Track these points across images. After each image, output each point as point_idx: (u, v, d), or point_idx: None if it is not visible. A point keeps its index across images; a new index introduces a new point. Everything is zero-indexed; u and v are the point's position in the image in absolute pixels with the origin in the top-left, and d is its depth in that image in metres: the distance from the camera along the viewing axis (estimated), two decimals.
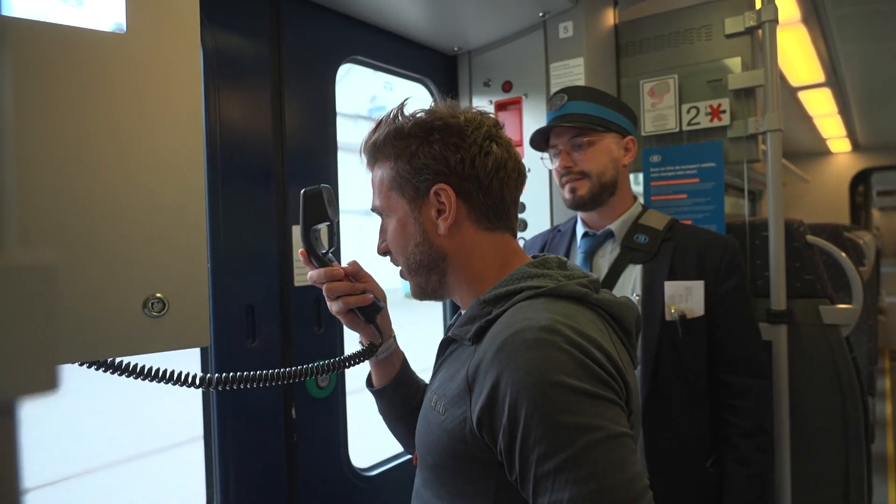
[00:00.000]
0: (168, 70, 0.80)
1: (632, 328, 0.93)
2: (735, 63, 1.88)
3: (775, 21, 1.77)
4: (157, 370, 0.88)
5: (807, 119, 5.53)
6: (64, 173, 0.72)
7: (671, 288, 1.40)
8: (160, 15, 0.79)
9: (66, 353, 0.72)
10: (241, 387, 0.92)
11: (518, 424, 0.72)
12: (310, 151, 1.68)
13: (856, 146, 7.26)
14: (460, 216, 0.90)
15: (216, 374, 0.91)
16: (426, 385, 1.14)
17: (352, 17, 1.84)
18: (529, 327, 0.76)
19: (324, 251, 1.02)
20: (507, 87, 2.12)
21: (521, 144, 2.09)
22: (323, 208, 0.98)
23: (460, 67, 2.26)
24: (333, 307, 1.01)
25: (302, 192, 1.00)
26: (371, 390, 1.14)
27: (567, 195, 1.50)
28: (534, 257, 0.96)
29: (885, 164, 7.42)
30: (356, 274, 1.03)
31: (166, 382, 0.88)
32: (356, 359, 1.04)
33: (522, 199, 2.08)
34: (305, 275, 1.62)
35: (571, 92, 1.51)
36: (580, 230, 1.57)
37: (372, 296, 1.02)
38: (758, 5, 1.82)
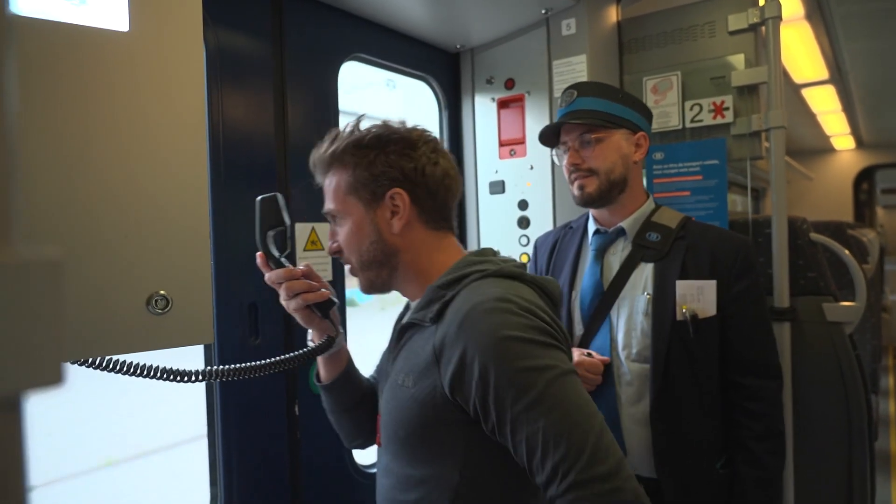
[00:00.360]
0: (171, 68, 0.80)
1: (559, 301, 1.08)
2: (738, 60, 1.88)
3: (779, 18, 1.77)
4: (136, 365, 0.87)
5: (810, 116, 5.52)
6: (67, 171, 0.72)
7: (683, 287, 1.38)
8: (163, 13, 0.80)
9: (70, 351, 0.72)
10: (206, 380, 0.94)
11: (489, 379, 0.86)
12: (312, 149, 1.68)
13: (860, 143, 7.24)
14: (412, 217, 1.03)
15: (172, 368, 0.91)
16: (367, 380, 1.28)
17: (354, 15, 1.84)
18: (485, 299, 0.91)
19: (279, 254, 1.10)
20: (509, 84, 2.12)
21: (523, 142, 2.09)
22: (279, 214, 1.08)
23: (463, 65, 2.26)
24: (291, 305, 1.09)
25: (258, 198, 1.08)
26: (321, 386, 1.22)
27: (575, 192, 1.48)
28: (472, 253, 1.10)
29: (889, 161, 7.40)
30: (309, 275, 1.12)
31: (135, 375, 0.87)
32: (319, 351, 1.11)
33: (526, 196, 2.09)
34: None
35: (581, 87, 1.49)
36: (591, 227, 1.55)
37: (328, 292, 1.11)
38: (761, 2, 1.82)
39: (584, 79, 1.93)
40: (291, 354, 1.05)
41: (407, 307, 1.18)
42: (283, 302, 1.10)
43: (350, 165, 1.02)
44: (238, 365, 0.99)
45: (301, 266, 1.11)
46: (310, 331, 1.17)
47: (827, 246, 1.92)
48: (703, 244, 1.42)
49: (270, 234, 1.08)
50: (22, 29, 0.68)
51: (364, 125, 1.05)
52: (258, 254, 1.09)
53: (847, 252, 1.92)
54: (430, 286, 1.01)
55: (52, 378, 0.19)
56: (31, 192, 0.69)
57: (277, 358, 1.03)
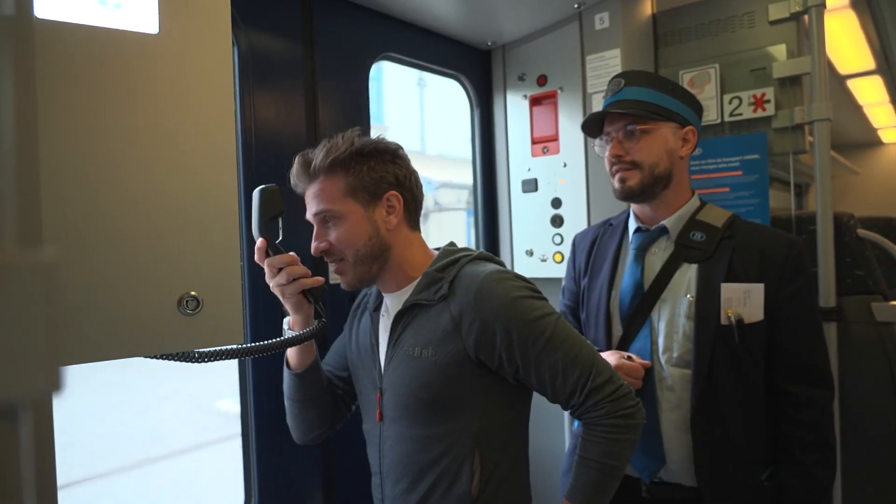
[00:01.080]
0: (200, 70, 0.80)
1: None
2: (780, 51, 1.81)
3: (823, 6, 1.71)
4: None
5: (856, 108, 5.33)
6: (97, 175, 0.72)
7: (728, 290, 1.31)
8: (192, 15, 0.80)
9: (101, 351, 0.73)
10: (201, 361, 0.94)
11: (511, 333, 1.10)
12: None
13: None
14: (401, 217, 1.20)
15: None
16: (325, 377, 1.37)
17: (384, 14, 1.84)
18: (487, 274, 1.14)
19: (278, 240, 1.18)
20: (541, 80, 2.09)
21: (556, 139, 2.06)
22: (279, 203, 1.16)
23: (494, 62, 2.24)
24: (288, 289, 1.18)
25: (259, 188, 1.16)
26: (293, 374, 1.29)
27: (616, 185, 1.42)
28: (435, 249, 1.28)
29: None
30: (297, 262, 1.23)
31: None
32: (315, 333, 1.14)
33: (559, 194, 2.06)
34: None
35: (629, 76, 1.42)
36: (632, 225, 1.49)
37: (322, 278, 1.20)
38: None
39: None
40: (289, 337, 1.06)
41: (377, 297, 1.31)
42: (276, 287, 1.19)
43: (351, 170, 1.16)
44: (230, 347, 0.96)
45: (292, 254, 1.20)
46: (286, 319, 1.25)
47: (876, 242, 1.85)
48: (752, 244, 1.35)
49: (272, 221, 1.17)
50: (51, 33, 0.69)
51: (356, 138, 1.20)
52: (260, 240, 1.17)
53: None
54: (427, 271, 1.19)
55: (48, 385, 0.18)
56: (62, 196, 0.70)
57: (274, 340, 1.02)
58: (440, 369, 1.13)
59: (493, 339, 1.10)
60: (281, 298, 1.21)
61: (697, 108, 1.46)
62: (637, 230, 1.47)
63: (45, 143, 0.69)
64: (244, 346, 0.99)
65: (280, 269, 1.17)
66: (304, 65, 1.60)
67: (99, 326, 0.72)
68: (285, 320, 1.26)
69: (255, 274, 1.48)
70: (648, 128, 1.38)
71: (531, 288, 1.16)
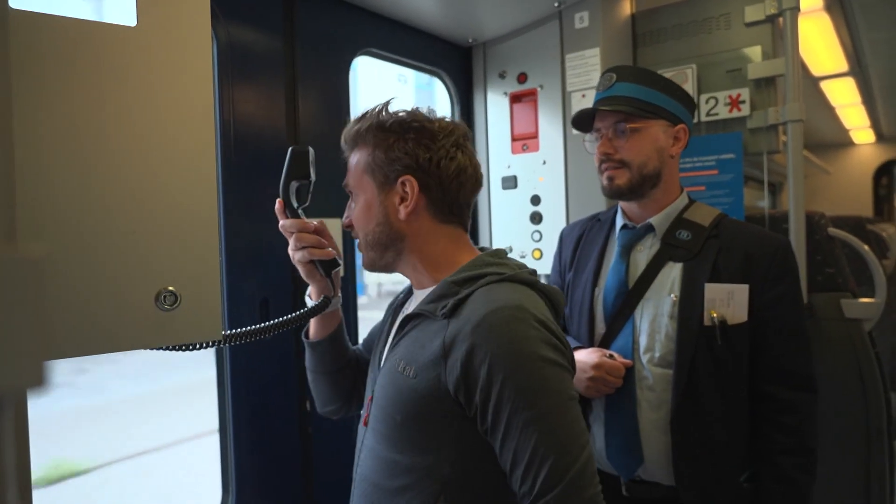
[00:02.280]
0: (179, 63, 0.80)
1: (561, 310, 1.11)
2: (755, 52, 1.85)
3: (797, 9, 1.74)
4: None
5: (829, 109, 5.43)
6: (74, 167, 0.72)
7: (712, 291, 1.30)
8: (171, 8, 0.79)
9: (77, 347, 0.72)
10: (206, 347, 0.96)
11: (494, 386, 0.89)
12: (324, 144, 1.68)
13: (880, 137, 7.11)
14: (419, 206, 1.05)
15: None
16: (355, 349, 1.31)
17: (365, 10, 1.83)
18: (504, 306, 0.93)
19: (298, 205, 1.14)
20: (521, 78, 2.10)
21: (536, 137, 2.08)
22: (306, 168, 1.10)
23: (475, 59, 2.24)
24: (297, 255, 1.12)
25: (291, 148, 1.11)
26: (306, 342, 1.25)
27: (604, 182, 1.40)
28: (481, 249, 1.12)
29: None
30: (322, 232, 1.15)
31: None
32: (314, 312, 1.13)
33: (538, 191, 2.08)
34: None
35: (621, 72, 1.39)
36: (619, 221, 1.48)
37: (333, 251, 1.13)
38: None
39: (598, 73, 1.90)
40: (288, 316, 1.05)
41: (408, 292, 1.20)
42: (290, 252, 1.14)
43: (371, 146, 1.05)
44: (234, 330, 0.99)
45: (314, 222, 1.14)
46: (309, 289, 1.20)
47: (846, 241, 1.89)
48: (738, 244, 1.33)
49: (294, 184, 1.12)
50: (26, 24, 0.68)
51: (392, 108, 1.07)
52: (278, 200, 1.12)
53: (866, 247, 1.89)
54: (444, 281, 1.02)
55: (31, 380, 0.18)
56: (37, 189, 0.69)
57: (273, 322, 1.03)
58: (417, 396, 0.97)
59: (474, 382, 0.91)
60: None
61: (690, 105, 1.44)
62: (623, 227, 1.46)
63: (19, 137, 0.68)
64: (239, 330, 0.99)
65: (292, 235, 1.12)
66: (284, 59, 1.59)
67: (75, 322, 0.71)
68: (308, 290, 1.21)
69: (236, 269, 1.47)
70: (638, 126, 1.36)
71: (551, 344, 0.93)
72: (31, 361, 0.18)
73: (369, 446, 1.07)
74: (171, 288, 0.79)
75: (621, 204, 1.48)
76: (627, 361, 1.35)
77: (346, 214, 1.14)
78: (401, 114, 1.05)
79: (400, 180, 1.03)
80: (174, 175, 0.79)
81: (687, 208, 1.42)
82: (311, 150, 1.12)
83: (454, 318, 0.96)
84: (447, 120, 1.08)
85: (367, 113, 1.08)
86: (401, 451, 1.00)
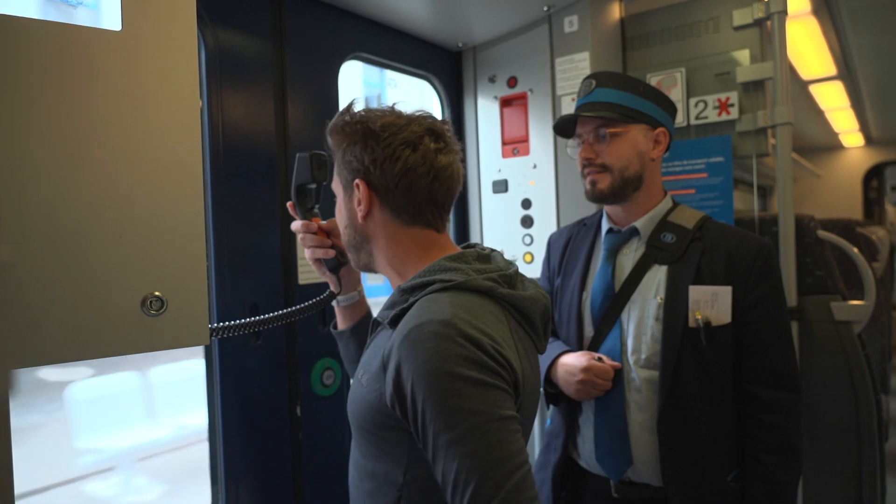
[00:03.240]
0: (165, 68, 0.79)
1: (535, 319, 1.02)
2: (743, 56, 1.86)
3: (784, 12, 1.75)
4: None
5: (818, 113, 5.47)
6: (59, 173, 0.71)
7: (696, 293, 1.31)
8: (156, 13, 0.79)
9: (62, 352, 0.72)
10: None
11: (417, 405, 0.84)
12: (314, 148, 1.68)
13: (869, 140, 7.17)
14: (375, 209, 1.02)
15: None
16: None
17: (355, 14, 1.83)
18: (430, 321, 0.87)
19: (309, 207, 1.22)
20: (511, 82, 2.11)
21: (526, 141, 2.08)
22: (307, 172, 1.18)
23: (465, 63, 2.25)
24: (307, 254, 1.21)
25: (299, 154, 1.20)
26: (334, 332, 1.30)
27: (587, 187, 1.42)
28: (465, 246, 1.07)
29: None
30: (332, 230, 1.20)
31: None
32: (316, 305, 1.21)
33: (529, 195, 2.08)
34: (310, 272, 1.62)
35: (600, 78, 1.41)
36: (605, 226, 1.49)
37: (335, 251, 1.19)
38: None
39: None
40: (294, 308, 1.16)
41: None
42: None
43: (336, 147, 1.05)
44: (237, 321, 1.09)
45: (323, 222, 1.21)
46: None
47: (835, 244, 1.90)
48: (720, 247, 1.35)
49: (301, 188, 1.21)
50: (10, 28, 0.68)
51: (357, 107, 1.04)
52: (288, 203, 1.23)
53: (856, 250, 1.90)
54: (398, 287, 1.00)
55: None
56: (22, 193, 0.68)
57: (278, 312, 1.14)
58: (366, 406, 0.95)
59: (403, 400, 0.87)
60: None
61: (670, 109, 1.46)
62: (609, 231, 1.47)
63: (3, 141, 0.67)
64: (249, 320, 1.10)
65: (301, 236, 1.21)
66: (273, 63, 1.59)
67: (60, 328, 0.71)
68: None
69: (223, 273, 1.46)
70: (618, 131, 1.38)
71: (478, 362, 0.85)
72: None
73: (353, 450, 1.06)
74: (157, 293, 0.78)
75: (606, 208, 1.50)
76: (616, 364, 1.36)
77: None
78: (354, 115, 1.03)
79: (354, 183, 1.02)
80: (160, 180, 0.79)
81: (671, 211, 1.44)
82: (316, 154, 1.19)
83: (395, 329, 0.92)
84: (404, 115, 1.03)
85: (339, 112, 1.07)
86: (364, 455, 1.00)
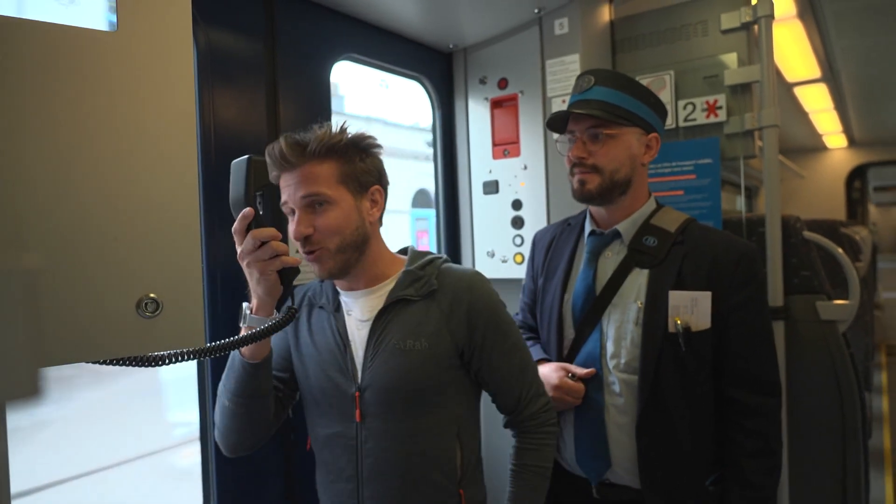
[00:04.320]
0: (159, 68, 0.79)
1: None
2: (731, 59, 1.88)
3: (771, 16, 1.77)
4: None
5: (803, 115, 5.54)
6: (53, 175, 0.71)
7: (676, 298, 1.30)
8: (150, 13, 0.79)
9: (58, 355, 0.71)
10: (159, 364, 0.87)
11: (488, 331, 1.23)
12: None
13: (852, 142, 7.28)
14: (380, 212, 1.25)
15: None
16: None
17: (346, 15, 1.83)
18: (475, 274, 1.28)
19: (265, 213, 1.11)
20: (502, 84, 2.12)
21: (517, 142, 2.09)
22: (266, 176, 1.11)
23: (456, 64, 2.26)
24: (270, 265, 1.09)
25: (248, 157, 1.09)
26: (250, 364, 1.17)
27: (575, 186, 1.40)
28: (410, 247, 1.34)
29: (881, 159, 7.44)
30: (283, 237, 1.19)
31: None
32: (283, 323, 1.04)
33: (520, 196, 2.09)
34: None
35: (599, 75, 1.37)
36: (588, 227, 1.48)
37: (299, 258, 1.16)
38: (753, 1, 1.82)
39: None
40: (260, 329, 0.97)
41: (302, 299, 1.34)
42: (255, 261, 1.09)
43: (346, 159, 1.18)
44: (192, 348, 0.88)
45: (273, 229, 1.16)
46: (246, 304, 1.15)
47: (820, 244, 1.93)
48: (703, 251, 1.33)
49: (258, 194, 1.10)
50: (2, 29, 0.67)
51: (350, 128, 1.22)
52: (248, 209, 1.08)
53: (840, 250, 1.93)
54: (408, 269, 1.24)
55: (28, 390, 0.18)
56: (16, 196, 0.68)
57: (237, 337, 0.93)
58: (435, 360, 1.20)
59: (473, 334, 1.22)
60: (255, 276, 1.11)
61: (663, 114, 1.45)
62: (591, 233, 1.46)
63: None
64: (218, 342, 0.89)
65: (263, 243, 1.07)
66: (265, 64, 1.59)
67: (54, 330, 0.70)
68: (245, 305, 1.16)
69: (215, 275, 1.46)
70: (613, 133, 1.35)
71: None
72: (27, 371, 0.18)
73: (379, 433, 1.20)
74: (152, 295, 0.78)
75: (590, 208, 1.49)
76: (590, 371, 1.36)
77: (303, 226, 1.14)
78: (362, 133, 1.22)
79: (371, 189, 1.21)
80: (155, 180, 0.78)
81: (654, 213, 1.42)
82: (256, 159, 1.10)
83: (440, 293, 1.23)
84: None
85: (326, 131, 1.16)
86: (421, 414, 1.20)
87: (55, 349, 0.71)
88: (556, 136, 1.49)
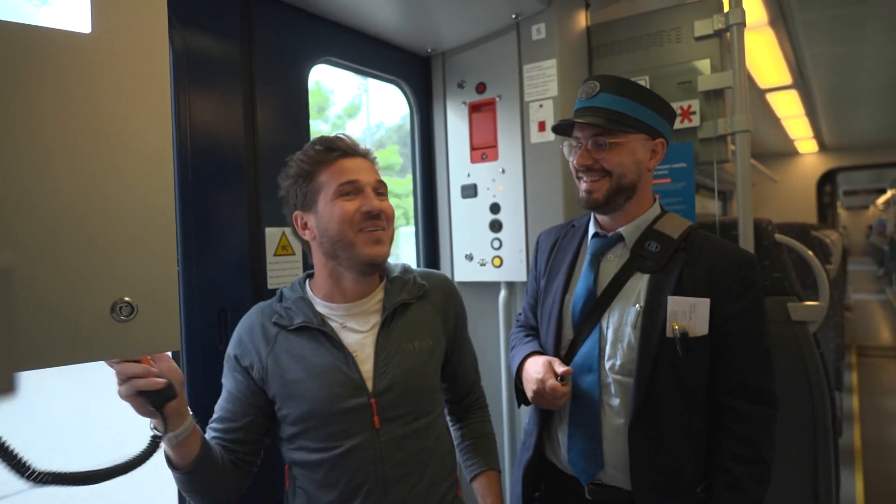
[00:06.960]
0: (135, 71, 0.78)
1: None
2: (704, 65, 1.91)
3: (743, 24, 1.81)
4: None
5: (775, 120, 5.65)
6: (28, 177, 0.70)
7: (674, 303, 1.30)
8: (126, 15, 0.78)
9: (31, 360, 0.70)
10: None
11: (461, 318, 1.47)
12: (282, 153, 1.67)
13: (822, 147, 7.44)
14: None
15: None
16: (218, 451, 1.19)
17: (324, 18, 1.83)
18: (445, 274, 1.50)
19: None
20: (480, 88, 2.13)
21: (494, 146, 2.10)
22: None
23: (434, 69, 2.26)
24: (122, 391, 0.95)
25: None
26: (183, 473, 1.11)
27: (582, 194, 1.39)
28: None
29: (850, 164, 7.62)
30: (157, 358, 1.00)
31: None
32: (142, 459, 0.92)
33: (498, 200, 2.10)
34: (279, 277, 1.62)
35: (604, 82, 1.37)
36: (592, 229, 1.47)
37: (165, 380, 0.97)
38: (726, 8, 1.86)
39: (555, 84, 1.94)
40: (112, 466, 0.87)
41: (249, 332, 1.27)
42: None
43: (372, 163, 1.34)
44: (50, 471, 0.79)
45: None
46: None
47: (791, 247, 1.97)
48: (704, 258, 1.33)
49: None
50: None
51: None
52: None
53: (810, 253, 1.97)
54: (394, 276, 1.36)
55: (2, 387, 0.18)
56: None
57: (101, 468, 0.86)
58: (436, 358, 1.35)
59: (456, 327, 1.43)
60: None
61: (671, 117, 1.44)
62: (595, 235, 1.46)
63: None
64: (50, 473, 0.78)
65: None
66: (242, 67, 1.58)
67: (27, 335, 0.69)
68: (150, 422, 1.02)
69: (191, 279, 1.45)
70: (618, 141, 1.34)
71: None
72: (2, 369, 0.18)
73: (400, 435, 1.24)
74: (126, 299, 0.77)
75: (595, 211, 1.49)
76: (567, 369, 1.34)
77: (379, 201, 1.28)
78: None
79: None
80: (131, 184, 0.78)
81: (658, 219, 1.42)
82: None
83: (430, 294, 1.38)
84: None
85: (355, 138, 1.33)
86: (428, 411, 1.30)
87: (29, 352, 0.70)
88: (563, 141, 1.47)
